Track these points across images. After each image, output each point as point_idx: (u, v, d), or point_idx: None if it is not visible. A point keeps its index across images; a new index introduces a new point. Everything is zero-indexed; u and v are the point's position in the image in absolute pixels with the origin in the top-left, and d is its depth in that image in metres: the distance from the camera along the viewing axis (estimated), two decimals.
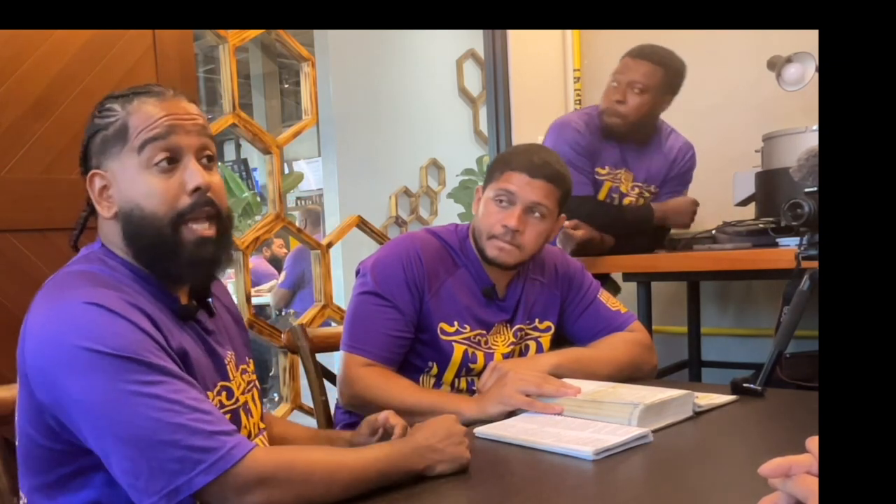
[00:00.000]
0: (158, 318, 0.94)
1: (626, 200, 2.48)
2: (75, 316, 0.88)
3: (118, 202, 0.99)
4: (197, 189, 0.97)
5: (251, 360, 1.16)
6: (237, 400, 1.06)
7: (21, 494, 0.99)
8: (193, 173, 0.97)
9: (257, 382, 1.16)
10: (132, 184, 0.97)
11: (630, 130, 2.41)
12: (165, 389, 0.87)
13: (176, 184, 0.97)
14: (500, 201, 1.50)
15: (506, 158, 1.54)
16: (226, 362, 1.06)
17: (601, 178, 2.45)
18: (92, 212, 1.05)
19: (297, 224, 3.30)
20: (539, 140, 3.25)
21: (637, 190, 2.50)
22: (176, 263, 0.98)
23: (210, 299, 1.08)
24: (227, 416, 1.00)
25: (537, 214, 1.50)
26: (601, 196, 2.44)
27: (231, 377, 1.06)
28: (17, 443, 0.97)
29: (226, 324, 1.13)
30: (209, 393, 0.99)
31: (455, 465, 1.00)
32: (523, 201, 1.48)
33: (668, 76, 2.36)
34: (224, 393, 1.03)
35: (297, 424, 1.34)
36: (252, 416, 1.09)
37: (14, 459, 1.09)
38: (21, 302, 1.81)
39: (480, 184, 1.61)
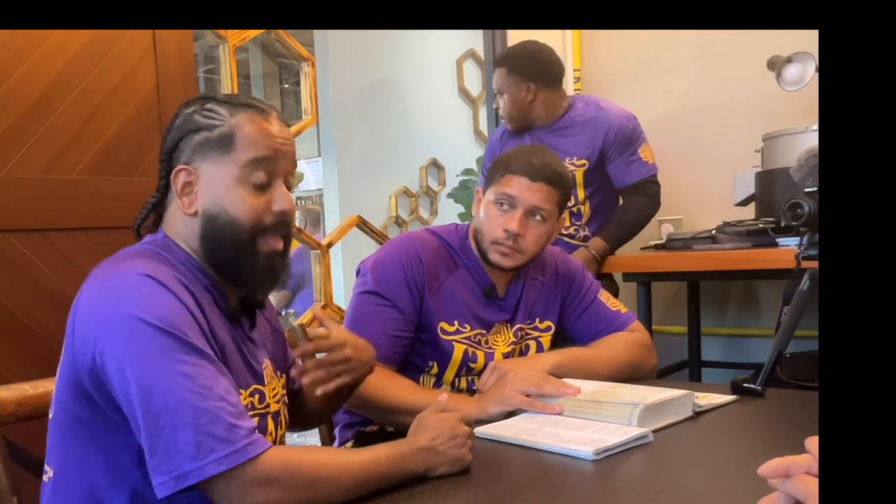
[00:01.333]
0: (205, 308, 0.97)
1: None
2: (128, 285, 0.91)
3: (203, 203, 1.01)
4: (283, 212, 1.03)
5: (285, 377, 1.18)
6: (268, 405, 1.07)
7: (47, 468, 1.00)
8: (283, 197, 1.03)
9: (286, 398, 1.17)
10: (225, 191, 1.01)
11: (520, 125, 2.58)
12: (199, 372, 0.88)
13: (265, 202, 1.02)
14: (501, 205, 1.50)
15: (505, 161, 1.54)
16: (262, 367, 1.08)
17: None
18: (161, 200, 1.06)
19: (297, 224, 3.30)
20: None
21: (569, 161, 2.51)
22: (250, 271, 1.02)
23: (257, 310, 1.11)
24: (256, 419, 1.01)
25: (538, 217, 1.50)
26: None
27: (266, 382, 1.08)
28: (49, 417, 0.99)
29: (265, 337, 1.15)
30: (242, 391, 1.01)
31: (456, 467, 1.00)
32: (524, 205, 1.48)
33: (513, 70, 2.52)
34: (257, 395, 1.05)
35: None
36: (281, 428, 1.11)
37: (14, 459, 1.09)
38: (21, 302, 1.82)
39: (480, 185, 1.60)
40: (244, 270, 1.02)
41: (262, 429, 1.04)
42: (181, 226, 1.03)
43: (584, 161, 2.52)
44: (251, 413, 1.00)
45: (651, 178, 2.54)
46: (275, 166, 1.02)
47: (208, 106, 1.03)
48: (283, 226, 1.04)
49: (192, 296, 0.95)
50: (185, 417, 0.85)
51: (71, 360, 0.94)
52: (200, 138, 1.01)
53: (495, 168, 1.55)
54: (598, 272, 2.40)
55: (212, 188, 1.01)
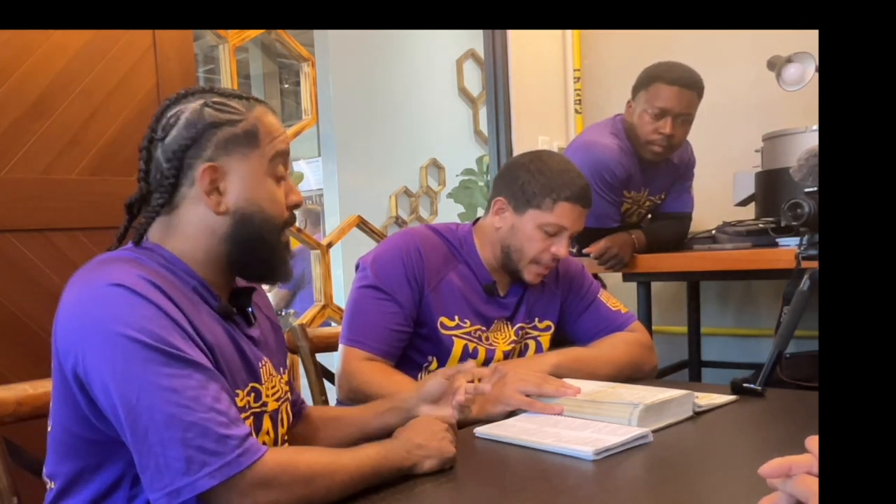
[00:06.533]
0: (189, 308, 0.93)
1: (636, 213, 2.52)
2: (100, 298, 0.88)
3: (235, 201, 1.00)
4: (297, 205, 1.06)
5: (287, 374, 1.16)
6: (265, 404, 1.05)
7: (48, 480, 0.99)
8: (294, 190, 1.06)
9: (290, 394, 1.16)
10: (258, 187, 1.01)
11: (666, 156, 2.43)
12: (184, 384, 0.86)
13: (283, 195, 1.04)
14: (547, 231, 1.51)
15: (551, 185, 1.50)
16: (260, 365, 1.06)
17: (624, 200, 2.46)
18: (167, 202, 1.00)
19: (296, 224, 3.30)
20: (541, 142, 3.26)
21: (649, 203, 2.54)
22: (273, 265, 1.05)
23: (251, 308, 1.09)
24: (250, 418, 1.00)
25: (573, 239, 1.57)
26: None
27: (263, 380, 1.06)
28: (48, 429, 0.98)
29: (265, 334, 1.13)
30: (239, 391, 0.99)
31: (441, 460, 1.01)
32: (572, 231, 1.53)
33: (700, 96, 2.35)
34: (253, 394, 1.03)
35: (350, 407, 1.36)
36: (282, 426, 1.10)
37: (14, 459, 1.09)
38: (21, 302, 1.82)
39: (503, 196, 1.55)
40: (270, 265, 1.04)
41: (258, 428, 1.02)
42: (193, 228, 1.00)
43: (665, 196, 2.54)
44: (247, 413, 0.99)
45: (691, 212, 2.59)
46: (288, 159, 1.05)
47: (217, 100, 1.00)
48: (294, 218, 1.07)
49: (169, 299, 0.91)
50: (173, 433, 0.84)
51: (60, 376, 0.92)
52: (226, 135, 0.99)
53: (539, 190, 1.50)
54: (630, 258, 2.35)
55: (245, 184, 1.00)
